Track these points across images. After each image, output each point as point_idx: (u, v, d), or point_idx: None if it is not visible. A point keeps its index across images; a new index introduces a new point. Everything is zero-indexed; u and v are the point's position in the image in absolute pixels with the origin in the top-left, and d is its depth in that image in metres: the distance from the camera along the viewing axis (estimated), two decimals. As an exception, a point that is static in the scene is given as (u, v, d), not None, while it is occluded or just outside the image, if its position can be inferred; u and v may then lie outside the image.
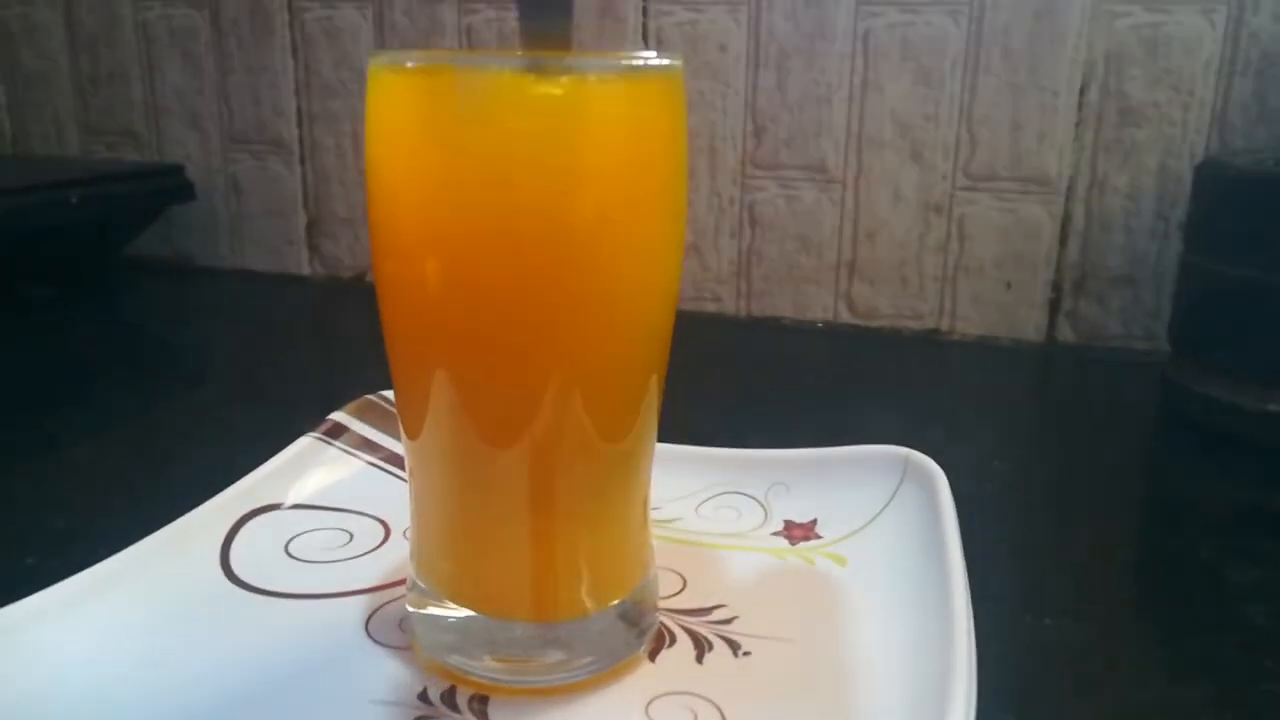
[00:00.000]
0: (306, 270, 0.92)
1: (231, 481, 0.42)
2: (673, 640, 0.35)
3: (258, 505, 0.41)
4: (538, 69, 0.27)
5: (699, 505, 0.44)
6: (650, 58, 0.29)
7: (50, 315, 0.80)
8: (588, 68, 0.28)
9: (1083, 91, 0.71)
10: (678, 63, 0.29)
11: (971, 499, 0.41)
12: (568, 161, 0.27)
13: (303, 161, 0.89)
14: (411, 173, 0.29)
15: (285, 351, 0.77)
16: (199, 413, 0.63)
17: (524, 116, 0.27)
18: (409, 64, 0.29)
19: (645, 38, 0.78)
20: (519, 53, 0.28)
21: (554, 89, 0.27)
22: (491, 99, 0.27)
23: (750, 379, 0.71)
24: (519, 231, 0.28)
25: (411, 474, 0.34)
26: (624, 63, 0.28)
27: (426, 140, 0.28)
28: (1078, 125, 0.71)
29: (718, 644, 0.34)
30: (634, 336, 0.31)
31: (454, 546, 0.33)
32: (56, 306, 0.82)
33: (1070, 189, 0.73)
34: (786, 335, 0.79)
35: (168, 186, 0.89)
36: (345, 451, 0.46)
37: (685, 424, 0.55)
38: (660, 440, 0.35)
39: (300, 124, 0.89)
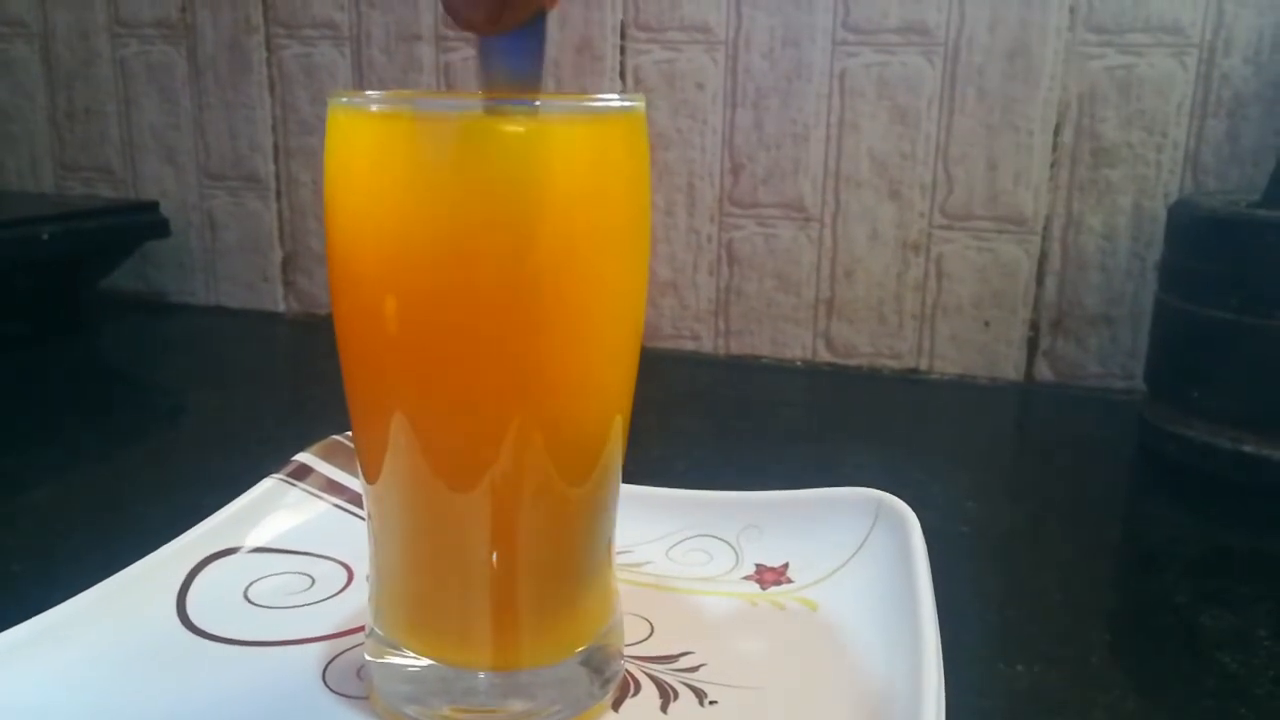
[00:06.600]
0: (282, 307, 0.91)
1: (198, 524, 0.41)
2: (637, 689, 0.34)
3: (217, 549, 0.40)
4: (498, 112, 0.27)
5: (670, 548, 0.43)
6: (611, 99, 0.28)
7: (22, 351, 0.79)
8: (548, 110, 0.27)
9: (1057, 131, 0.71)
10: (639, 104, 0.29)
11: (947, 540, 0.40)
12: (528, 204, 0.27)
13: (279, 197, 0.89)
14: (369, 214, 0.28)
15: (260, 389, 0.76)
16: (169, 452, 0.62)
17: (484, 160, 0.27)
18: (369, 106, 0.28)
19: (623, 76, 0.78)
20: (480, 95, 0.28)
21: (515, 132, 0.27)
22: (451, 142, 0.27)
23: (728, 418, 0.70)
24: (478, 274, 0.27)
25: (370, 518, 0.33)
26: (584, 104, 0.28)
27: (385, 182, 0.28)
28: (1053, 165, 0.72)
29: (683, 693, 0.33)
30: (596, 378, 0.31)
31: (412, 593, 0.32)
32: (28, 342, 0.81)
33: (1046, 228, 0.73)
34: (765, 374, 0.79)
35: (143, 222, 0.88)
36: (309, 493, 0.45)
37: (660, 464, 0.55)
38: (634, 481, 0.35)
39: (276, 160, 0.88)
